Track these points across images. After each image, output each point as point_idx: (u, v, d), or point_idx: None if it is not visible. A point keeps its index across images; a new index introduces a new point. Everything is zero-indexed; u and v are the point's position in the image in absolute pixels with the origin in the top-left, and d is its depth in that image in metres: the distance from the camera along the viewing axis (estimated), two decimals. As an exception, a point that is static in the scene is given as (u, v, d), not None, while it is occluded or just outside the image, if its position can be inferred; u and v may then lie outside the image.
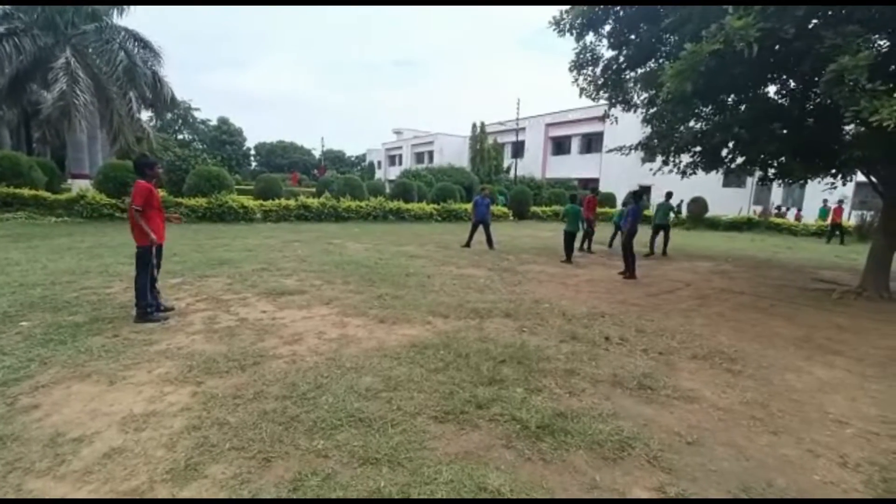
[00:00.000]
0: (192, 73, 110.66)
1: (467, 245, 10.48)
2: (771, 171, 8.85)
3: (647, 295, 6.52)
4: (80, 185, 14.24)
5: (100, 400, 2.75)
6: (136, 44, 16.86)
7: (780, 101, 7.52)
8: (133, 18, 16.87)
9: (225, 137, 60.04)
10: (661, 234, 11.23)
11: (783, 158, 7.90)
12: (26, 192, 11.65)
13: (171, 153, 18.49)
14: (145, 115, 22.44)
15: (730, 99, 7.97)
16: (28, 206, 11.48)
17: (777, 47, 5.36)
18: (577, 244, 9.70)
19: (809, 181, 9.37)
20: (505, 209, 20.52)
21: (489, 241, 10.47)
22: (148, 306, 4.24)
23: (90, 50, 16.11)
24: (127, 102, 17.44)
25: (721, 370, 3.73)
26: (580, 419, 2.75)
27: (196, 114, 54.80)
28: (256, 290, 5.57)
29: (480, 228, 10.56)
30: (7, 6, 15.79)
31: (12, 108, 19.67)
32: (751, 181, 24.62)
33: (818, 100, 6.73)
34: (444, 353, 3.71)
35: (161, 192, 13.62)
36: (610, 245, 11.77)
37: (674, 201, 11.79)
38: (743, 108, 7.80)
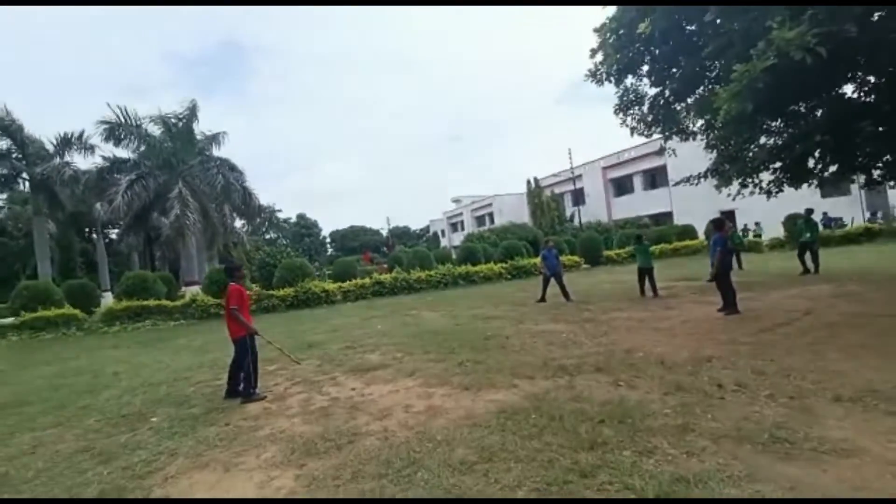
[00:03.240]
0: (272, 180, 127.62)
1: (542, 300, 10.19)
2: (876, 173, 7.83)
3: (759, 331, 5.74)
4: (191, 291, 16.40)
5: (218, 488, 2.94)
6: (228, 168, 20.13)
7: (863, 99, 6.83)
8: (224, 148, 20.65)
9: (304, 231, 66.81)
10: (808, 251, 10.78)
11: (888, 157, 6.99)
12: (152, 302, 13.66)
13: (262, 252, 20.89)
14: (238, 223, 26.01)
15: (801, 107, 7.41)
16: (153, 314, 13.38)
17: (839, 49, 5.00)
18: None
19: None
20: (575, 258, 19.89)
21: (564, 293, 10.09)
22: (251, 387, 4.79)
23: (196, 179, 19.44)
24: (222, 216, 20.43)
25: (880, 413, 3.08)
26: (706, 484, 2.39)
27: (279, 215, 61.92)
28: (343, 368, 5.80)
29: (553, 281, 10.29)
30: (134, 156, 19.76)
31: (138, 234, 23.85)
32: (855, 187, 21.73)
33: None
34: (536, 417, 3.51)
35: (255, 287, 15.31)
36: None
37: (764, 223, 11.01)
38: (819, 113, 7.19)
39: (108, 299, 18.00)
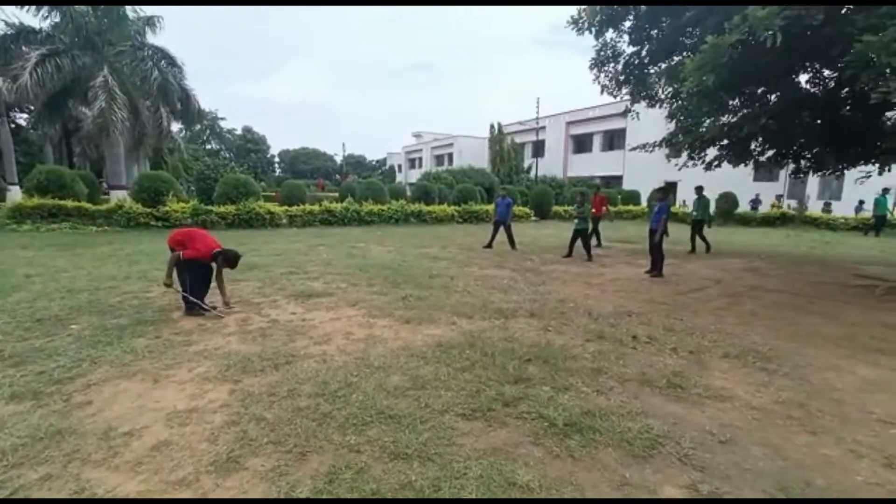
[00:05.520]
0: (216, 84, 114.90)
1: (489, 246, 10.49)
2: (803, 163, 8.54)
3: (676, 294, 6.38)
4: (118, 196, 14.97)
5: (146, 397, 2.91)
6: (165, 61, 17.65)
7: (811, 90, 7.25)
8: (161, 35, 17.69)
9: (250, 146, 61.95)
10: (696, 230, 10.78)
11: (816, 149, 7.61)
12: (70, 203, 12.31)
13: (201, 163, 19.22)
14: (175, 126, 23.42)
15: (759, 90, 7.73)
16: (71, 216, 12.13)
17: (808, 33, 5.18)
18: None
19: (847, 171, 8.99)
20: (526, 209, 20.36)
21: (511, 242, 10.44)
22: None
23: (125, 68, 16.94)
24: (157, 117, 18.25)
25: (755, 369, 3.63)
26: (608, 417, 2.74)
27: (222, 123, 56.59)
28: (285, 292, 5.74)
29: (502, 229, 10.55)
30: (47, 27, 16.74)
31: (53, 124, 20.81)
32: (783, 174, 23.70)
33: (854, 86, 6.47)
34: (470, 352, 3.75)
35: (192, 201, 14.27)
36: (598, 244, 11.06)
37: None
38: (772, 98, 7.56)
39: (14, 193, 16.00)
